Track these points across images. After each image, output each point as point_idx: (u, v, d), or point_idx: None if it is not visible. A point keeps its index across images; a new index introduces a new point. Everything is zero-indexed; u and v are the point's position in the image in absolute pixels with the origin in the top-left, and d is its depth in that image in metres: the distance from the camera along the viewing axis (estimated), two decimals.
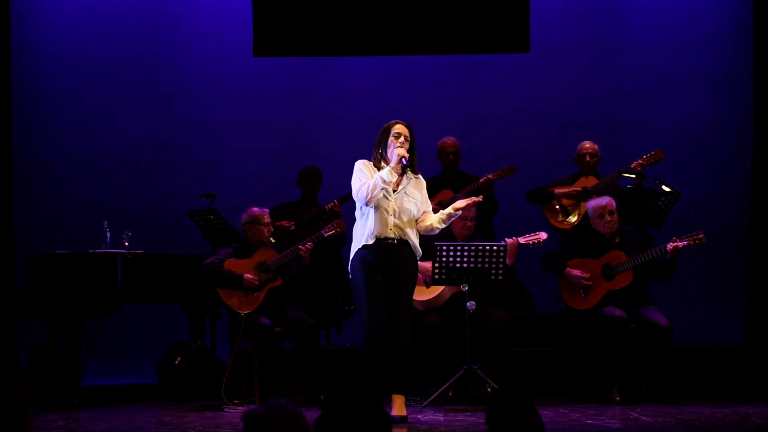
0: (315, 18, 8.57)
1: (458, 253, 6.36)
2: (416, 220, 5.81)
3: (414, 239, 5.79)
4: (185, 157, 8.90)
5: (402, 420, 5.64)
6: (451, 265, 6.36)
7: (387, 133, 5.79)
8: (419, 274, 6.65)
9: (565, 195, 7.52)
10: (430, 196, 7.56)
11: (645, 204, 7.17)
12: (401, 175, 5.73)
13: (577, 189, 7.50)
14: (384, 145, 5.79)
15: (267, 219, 6.87)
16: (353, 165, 8.45)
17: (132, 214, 8.37)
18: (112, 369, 8.34)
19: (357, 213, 5.83)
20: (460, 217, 6.68)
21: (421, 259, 6.62)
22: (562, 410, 6.10)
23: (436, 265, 6.40)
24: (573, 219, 7.51)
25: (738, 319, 8.54)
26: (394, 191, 5.72)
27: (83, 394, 6.84)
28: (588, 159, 7.56)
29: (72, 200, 8.66)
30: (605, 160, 7.65)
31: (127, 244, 6.92)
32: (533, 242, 6.66)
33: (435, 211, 6.02)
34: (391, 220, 5.70)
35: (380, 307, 5.66)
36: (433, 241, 6.45)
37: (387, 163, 5.75)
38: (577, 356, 7.08)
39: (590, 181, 7.53)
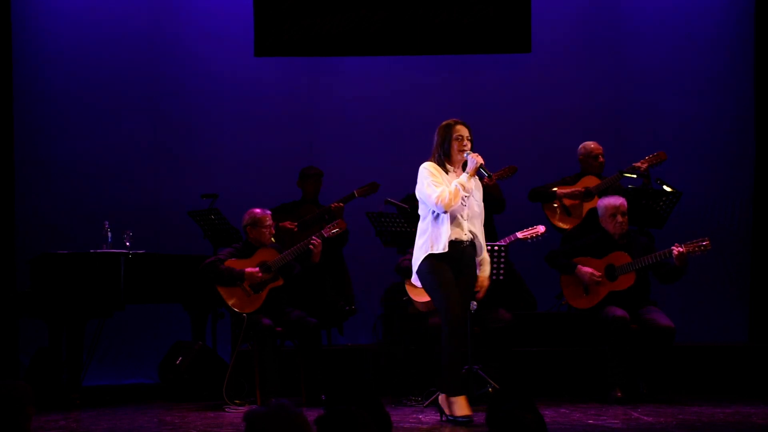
0: (316, 18, 8.58)
1: None
2: None
3: (482, 240, 5.74)
4: (186, 157, 8.90)
5: (467, 422, 5.56)
6: None
7: (449, 134, 5.68)
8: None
9: (567, 195, 7.52)
10: None
11: (647, 204, 7.18)
12: (486, 178, 5.76)
13: (580, 189, 7.50)
14: (447, 147, 5.69)
15: (269, 221, 6.87)
16: (353, 165, 8.56)
17: (133, 214, 8.37)
18: (113, 369, 8.36)
19: (423, 218, 5.67)
20: None
21: None
22: (563, 410, 6.10)
23: None
24: (565, 225, 7.51)
25: (740, 320, 8.54)
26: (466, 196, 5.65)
27: (85, 394, 6.84)
28: (601, 159, 7.54)
29: (73, 200, 8.66)
30: (606, 160, 7.65)
31: (128, 244, 6.92)
32: (532, 236, 6.66)
33: None
34: (466, 224, 5.64)
35: (457, 299, 5.56)
36: None
37: (451, 165, 5.69)
38: (578, 356, 7.08)
39: (592, 181, 7.53)
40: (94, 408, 6.67)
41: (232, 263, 6.71)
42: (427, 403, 6.31)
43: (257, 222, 6.84)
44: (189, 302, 7.49)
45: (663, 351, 6.44)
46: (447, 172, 5.68)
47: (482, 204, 5.79)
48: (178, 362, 7.17)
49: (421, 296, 6.69)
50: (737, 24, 8.78)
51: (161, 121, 8.93)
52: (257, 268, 6.66)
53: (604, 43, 8.94)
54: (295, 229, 7.56)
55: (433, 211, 5.60)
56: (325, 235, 6.81)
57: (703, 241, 6.39)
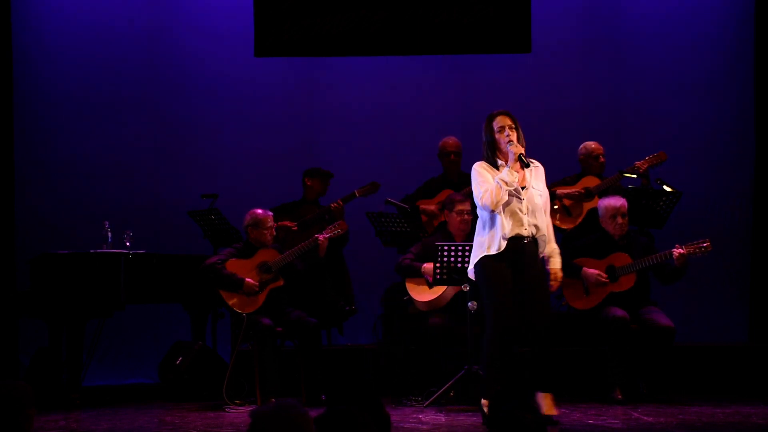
0: (316, 18, 8.58)
1: (459, 254, 6.35)
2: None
3: (546, 233, 5.50)
4: (186, 157, 8.90)
5: (552, 422, 5.38)
6: (452, 265, 6.36)
7: (490, 128, 5.51)
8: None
9: (567, 196, 7.52)
10: (431, 197, 7.63)
11: (647, 204, 7.17)
12: (523, 168, 5.46)
13: (580, 190, 7.50)
14: (492, 140, 5.51)
15: (270, 222, 6.88)
16: (353, 165, 8.55)
17: (133, 214, 8.37)
18: (113, 369, 8.35)
19: (481, 215, 5.50)
20: (456, 212, 6.68)
21: (425, 260, 6.64)
22: (563, 410, 6.08)
23: (438, 265, 6.39)
24: (565, 225, 7.51)
25: (740, 320, 8.53)
26: (523, 188, 5.42)
27: (85, 394, 6.85)
28: (602, 159, 7.54)
29: (73, 200, 8.65)
30: (606, 160, 7.64)
31: (128, 244, 6.92)
32: None
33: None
34: (526, 219, 5.41)
35: (507, 305, 5.40)
36: (435, 242, 6.46)
37: (502, 159, 5.50)
38: (578, 356, 7.08)
39: (592, 182, 7.52)
40: (94, 408, 6.68)
41: (233, 263, 6.71)
42: (428, 403, 6.31)
43: (259, 223, 6.84)
44: (189, 302, 7.49)
45: (663, 351, 6.45)
46: (498, 167, 5.48)
47: (546, 193, 5.54)
48: (178, 362, 7.18)
49: (422, 296, 6.69)
50: (737, 24, 8.77)
51: (161, 121, 8.93)
52: (256, 282, 6.66)
53: (604, 43, 8.94)
54: (295, 228, 7.56)
55: (488, 212, 5.43)
56: (327, 236, 6.81)
57: (704, 243, 6.39)
